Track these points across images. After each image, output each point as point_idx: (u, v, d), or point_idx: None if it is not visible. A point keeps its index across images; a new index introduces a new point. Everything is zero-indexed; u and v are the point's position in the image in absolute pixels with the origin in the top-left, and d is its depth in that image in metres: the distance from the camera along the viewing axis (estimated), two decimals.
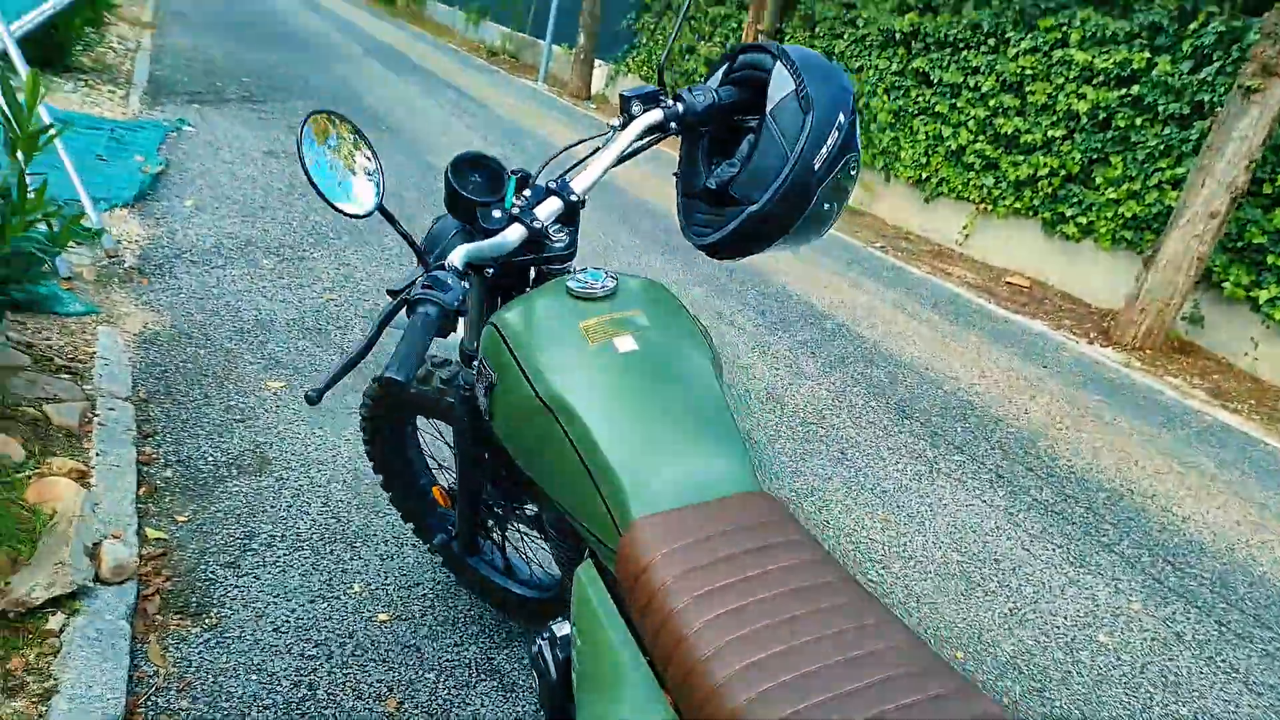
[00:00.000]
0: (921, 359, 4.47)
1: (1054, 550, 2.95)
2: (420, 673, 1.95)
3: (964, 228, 7.15)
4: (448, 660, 2.00)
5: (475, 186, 1.41)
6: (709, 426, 1.18)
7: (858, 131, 1.49)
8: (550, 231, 1.42)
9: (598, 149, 1.49)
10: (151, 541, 2.15)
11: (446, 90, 9.42)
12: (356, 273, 4.04)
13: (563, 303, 1.29)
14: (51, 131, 2.51)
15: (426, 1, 17.82)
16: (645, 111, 1.47)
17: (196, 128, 5.79)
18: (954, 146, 7.08)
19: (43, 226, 2.53)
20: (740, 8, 9.52)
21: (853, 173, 1.49)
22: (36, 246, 2.55)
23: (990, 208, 6.89)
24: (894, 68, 7.60)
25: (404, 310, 1.14)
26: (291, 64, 8.85)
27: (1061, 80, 6.30)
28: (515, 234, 1.34)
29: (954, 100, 7.09)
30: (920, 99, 7.38)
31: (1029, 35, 6.50)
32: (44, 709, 1.61)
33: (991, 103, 6.76)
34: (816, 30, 8.48)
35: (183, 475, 2.42)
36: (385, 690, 1.89)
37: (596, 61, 11.84)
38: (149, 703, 1.73)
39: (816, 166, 1.42)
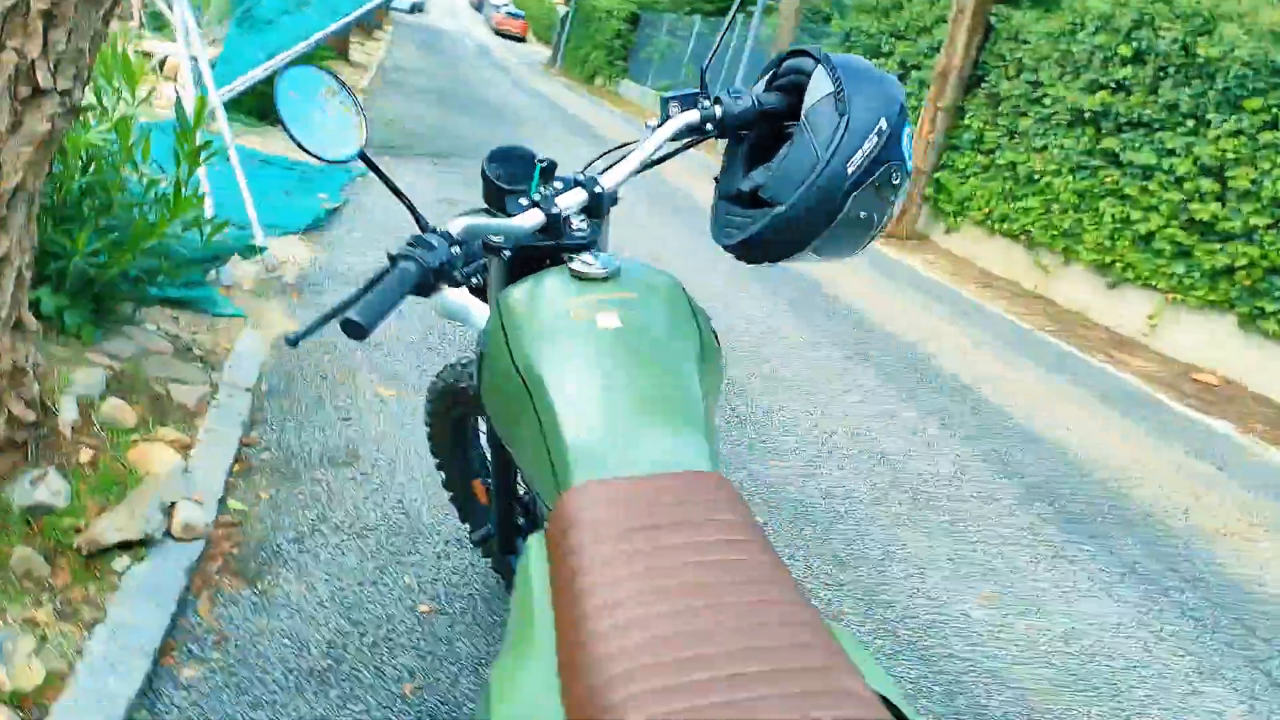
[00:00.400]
0: (1078, 448, 4.10)
1: (1183, 657, 2.57)
2: (445, 665, 1.95)
3: (1150, 317, 6.57)
4: (476, 658, 1.99)
5: (508, 177, 1.44)
6: (672, 407, 1.12)
7: (907, 141, 1.42)
8: (572, 220, 1.41)
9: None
10: (231, 511, 2.29)
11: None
12: None
13: (563, 281, 1.29)
14: (212, 149, 2.81)
15: (621, 81, 18.79)
16: (682, 112, 1.47)
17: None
18: (1143, 231, 6.57)
19: (197, 233, 2.82)
20: (921, 85, 9.40)
21: (895, 182, 1.42)
22: (192, 250, 2.85)
23: (1180, 297, 6.31)
24: (1081, 147, 7.21)
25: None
26: (483, 129, 9.54)
27: (1269, 165, 5.74)
28: (532, 219, 1.35)
29: (1145, 182, 6.61)
30: (1109, 180, 6.93)
31: (1233, 116, 6.00)
32: (87, 635, 1.73)
33: (1187, 186, 6.25)
34: (1000, 108, 8.22)
35: (277, 459, 2.58)
36: (406, 675, 1.90)
37: None
38: (183, 647, 1.82)
39: (849, 171, 1.36)
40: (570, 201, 1.38)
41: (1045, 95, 7.65)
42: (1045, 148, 7.60)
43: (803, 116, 1.37)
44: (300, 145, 1.13)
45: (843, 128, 1.34)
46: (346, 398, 3.02)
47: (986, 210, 8.26)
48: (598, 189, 1.41)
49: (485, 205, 1.49)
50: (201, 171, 3.02)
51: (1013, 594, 2.73)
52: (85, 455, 2.17)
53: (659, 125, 1.50)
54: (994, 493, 3.40)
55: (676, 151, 1.53)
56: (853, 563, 2.70)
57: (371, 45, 17.40)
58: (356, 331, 1.03)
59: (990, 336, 5.85)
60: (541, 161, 1.43)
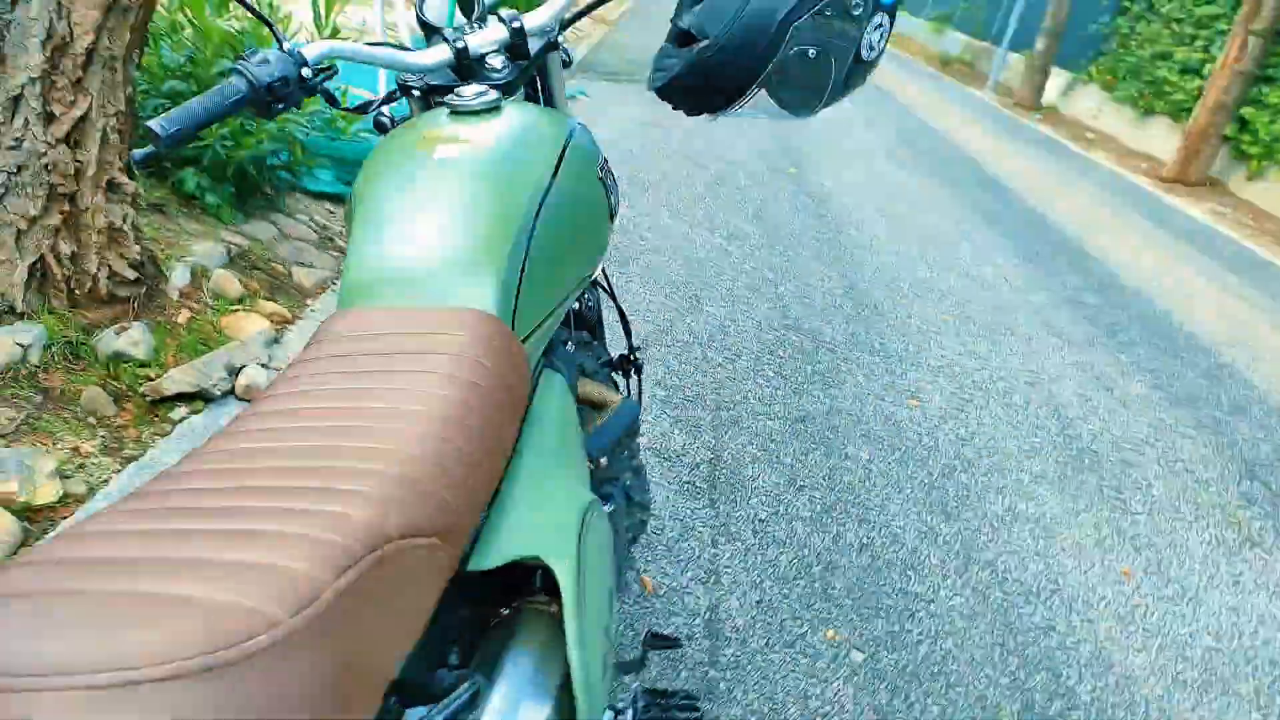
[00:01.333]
0: None
1: None
2: None
3: None
4: None
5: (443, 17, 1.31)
6: (472, 243, 0.95)
7: None
8: (490, 60, 1.26)
9: None
10: None
11: (873, 96, 9.21)
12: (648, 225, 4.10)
13: (434, 116, 1.15)
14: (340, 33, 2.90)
15: None
16: None
17: (591, 97, 6.36)
18: None
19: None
20: (1234, 6, 7.89)
21: (853, 11, 1.13)
22: (330, 145, 2.99)
23: None
24: None
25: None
26: None
27: None
28: (435, 55, 1.21)
29: None
30: None
31: None
32: (119, 468, 1.88)
33: None
34: None
35: None
36: None
37: (1053, 70, 10.68)
38: None
39: None
40: (486, 39, 1.23)
41: None
42: None
43: None
44: None
45: None
46: None
47: None
48: (516, 24, 1.24)
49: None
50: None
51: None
52: (183, 316, 2.35)
53: None
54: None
55: None
56: None
57: None
58: (153, 138, 0.97)
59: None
60: None
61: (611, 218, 1.20)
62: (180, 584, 0.47)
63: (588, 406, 1.38)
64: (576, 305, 1.38)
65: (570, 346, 1.30)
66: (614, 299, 1.64)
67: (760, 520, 2.21)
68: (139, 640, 0.42)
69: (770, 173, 5.55)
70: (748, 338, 3.19)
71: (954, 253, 4.67)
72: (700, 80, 1.19)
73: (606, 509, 1.15)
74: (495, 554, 0.75)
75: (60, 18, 1.83)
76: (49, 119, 1.90)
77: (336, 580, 0.51)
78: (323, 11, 2.86)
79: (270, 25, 1.12)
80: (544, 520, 0.81)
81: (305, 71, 1.06)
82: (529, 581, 0.86)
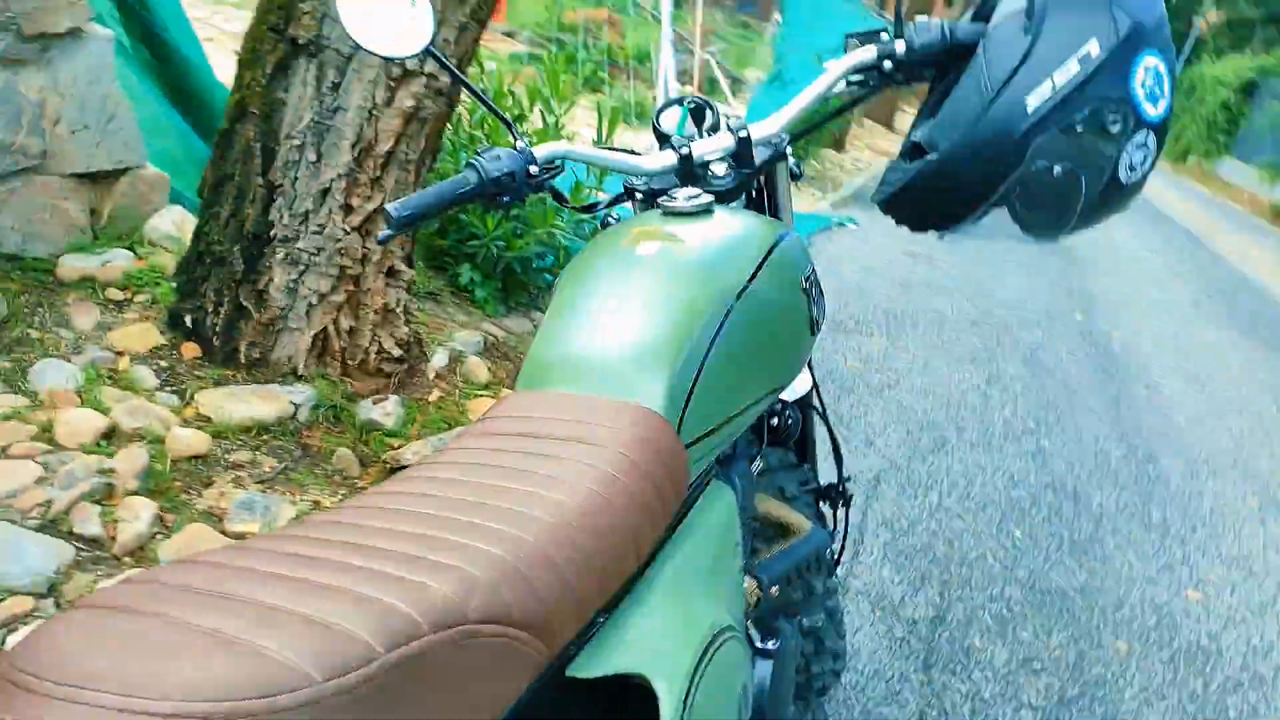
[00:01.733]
0: None
1: None
2: None
3: None
4: None
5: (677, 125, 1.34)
6: (652, 339, 0.92)
7: (1143, 77, 1.02)
8: (714, 167, 1.26)
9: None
10: None
11: (1182, 243, 8.41)
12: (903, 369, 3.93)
13: (647, 215, 1.16)
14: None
15: (1221, 160, 16.10)
16: (859, 48, 1.22)
17: (860, 227, 6.32)
18: None
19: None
20: None
21: (1111, 129, 1.01)
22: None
23: None
24: None
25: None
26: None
27: None
28: (661, 160, 1.24)
29: None
30: None
31: None
32: None
33: None
34: None
35: None
36: None
37: None
38: None
39: (1030, 107, 1.03)
40: (712, 147, 1.23)
41: None
42: None
43: (981, 41, 1.05)
44: (360, 45, 1.10)
45: (1025, 52, 0.99)
46: None
47: None
48: (742, 133, 1.23)
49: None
50: None
51: None
52: (434, 395, 2.53)
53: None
54: None
55: (855, 102, 1.27)
56: None
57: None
58: (386, 220, 1.05)
59: None
60: (690, 102, 1.30)
61: (813, 331, 1.13)
62: (240, 627, 0.48)
63: (771, 529, 1.28)
64: (775, 422, 1.30)
65: (758, 464, 1.22)
66: (826, 422, 1.54)
67: (982, 699, 1.94)
68: (185, 673, 0.44)
69: (1051, 317, 5.15)
70: (996, 491, 2.89)
71: (1271, 429, 4.01)
72: (926, 194, 1.11)
73: (770, 645, 1.04)
74: (598, 664, 0.69)
75: (369, 124, 2.10)
76: (348, 210, 2.17)
77: (388, 653, 0.49)
78: (604, 131, 3.09)
79: (509, 126, 1.19)
80: (662, 637, 0.73)
81: (534, 169, 1.11)
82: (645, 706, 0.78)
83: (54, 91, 2.21)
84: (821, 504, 1.61)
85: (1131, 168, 1.06)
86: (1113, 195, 1.08)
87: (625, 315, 0.94)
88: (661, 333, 0.92)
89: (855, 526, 2.50)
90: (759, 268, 1.02)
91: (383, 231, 1.10)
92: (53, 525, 1.66)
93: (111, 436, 1.90)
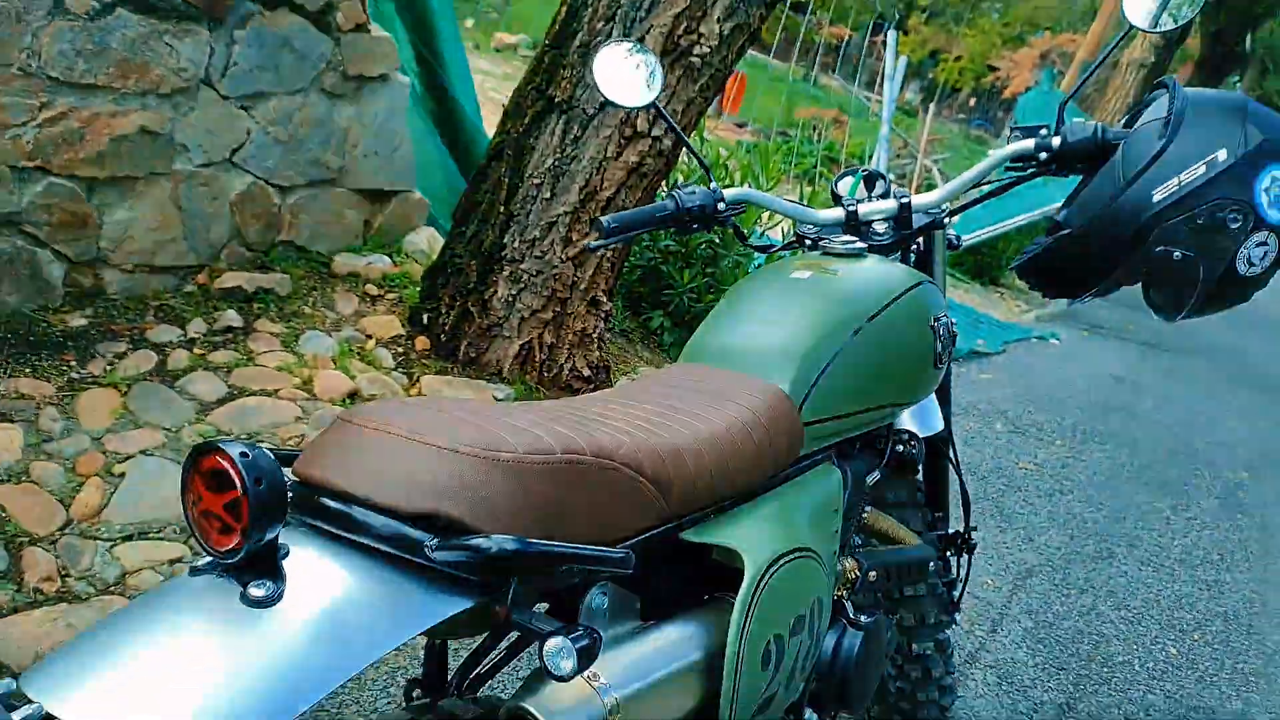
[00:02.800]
0: None
1: None
2: None
3: None
4: None
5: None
6: (790, 337, 1.14)
7: (1268, 185, 1.16)
8: (875, 225, 1.46)
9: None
10: None
11: None
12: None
13: (812, 252, 1.40)
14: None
15: None
16: (1020, 139, 1.40)
17: (1062, 343, 6.15)
18: None
19: None
20: None
21: (1230, 225, 1.16)
22: None
23: None
24: None
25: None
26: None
27: None
28: (830, 214, 1.47)
29: None
30: None
31: None
32: None
33: None
34: None
35: None
36: None
37: None
38: None
39: (1155, 198, 1.19)
40: (877, 207, 1.45)
41: None
42: None
43: (1124, 140, 1.22)
44: (605, 96, 1.40)
45: (1157, 152, 1.16)
46: None
47: None
48: (904, 200, 1.44)
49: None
50: None
51: None
52: None
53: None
54: None
55: (1014, 183, 1.44)
56: None
57: None
58: (596, 227, 1.34)
59: None
60: (864, 170, 1.52)
61: (937, 364, 1.30)
62: (485, 420, 0.77)
63: (881, 539, 1.43)
64: (900, 449, 1.45)
65: (874, 476, 1.37)
66: (958, 471, 1.66)
67: None
68: (452, 428, 0.73)
69: (1266, 462, 4.80)
70: (1158, 606, 2.79)
71: None
72: (1055, 264, 1.28)
73: (864, 619, 1.20)
74: (704, 534, 0.91)
75: (597, 173, 2.46)
76: (567, 242, 2.52)
77: (561, 454, 0.76)
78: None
79: (706, 169, 1.47)
80: (758, 534, 0.94)
81: (721, 205, 1.36)
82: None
83: (358, 121, 2.74)
84: (949, 555, 1.73)
85: (1250, 262, 1.18)
86: (1230, 285, 1.20)
87: (772, 317, 1.17)
88: (798, 334, 1.14)
89: (996, 608, 2.52)
90: (893, 301, 1.22)
91: (594, 240, 1.39)
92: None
93: (354, 397, 2.31)
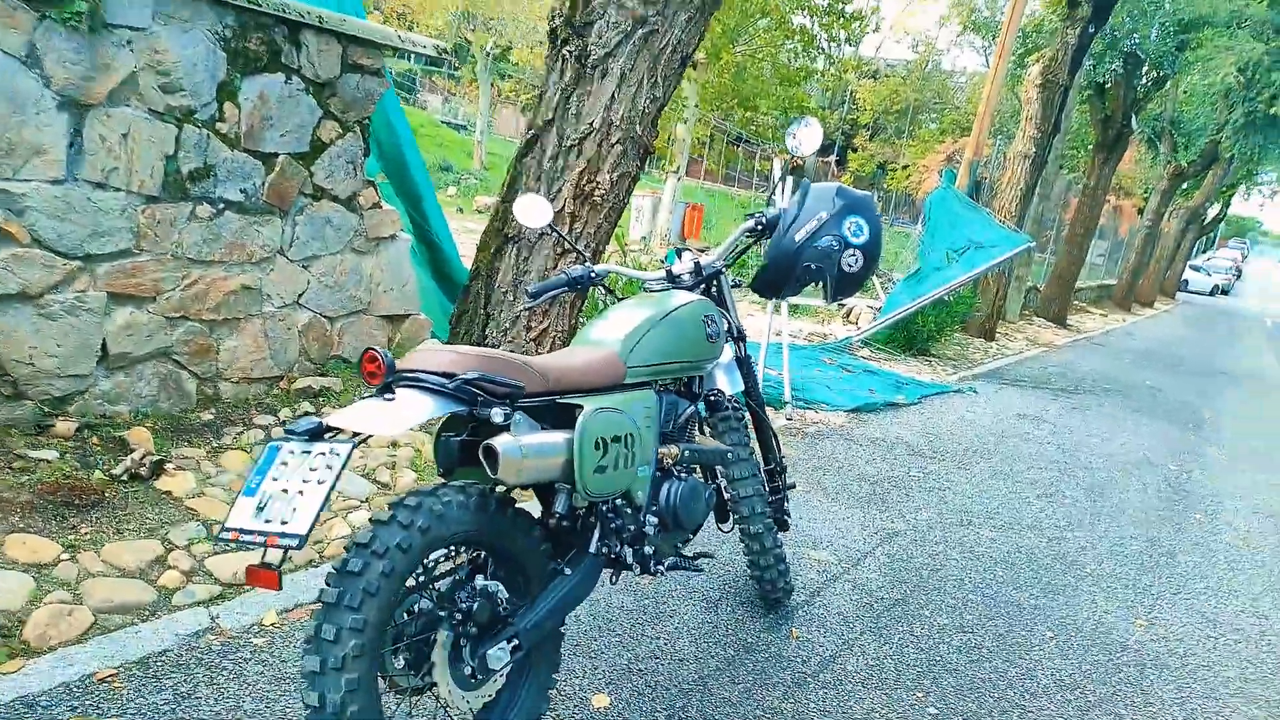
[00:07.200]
0: None
1: None
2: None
3: None
4: None
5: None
6: (619, 326, 2.24)
7: (848, 227, 2.32)
8: (684, 277, 2.58)
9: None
10: None
11: None
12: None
13: (641, 292, 2.52)
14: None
15: None
16: (749, 220, 2.55)
17: (980, 395, 7.22)
18: None
19: None
20: None
21: (833, 248, 2.30)
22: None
23: None
24: None
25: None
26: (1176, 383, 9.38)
27: None
28: (658, 274, 2.60)
29: None
30: None
31: None
32: None
33: None
34: None
35: None
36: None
37: None
38: None
39: (798, 239, 2.34)
40: (683, 269, 2.58)
41: None
42: None
43: (781, 214, 2.38)
44: (522, 224, 2.59)
45: (794, 216, 2.32)
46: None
47: None
48: (697, 260, 2.57)
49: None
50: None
51: None
52: None
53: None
54: None
55: (749, 245, 2.57)
56: None
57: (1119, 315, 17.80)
58: (527, 293, 2.48)
59: None
60: (677, 247, 2.67)
61: (710, 341, 2.37)
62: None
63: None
64: (713, 399, 2.51)
65: (689, 409, 2.43)
66: (766, 421, 2.73)
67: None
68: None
69: (1142, 466, 5.78)
70: (998, 551, 3.76)
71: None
72: (765, 279, 2.40)
73: (685, 476, 2.23)
74: (568, 399, 1.96)
75: (541, 279, 3.61)
76: (529, 328, 3.66)
77: (508, 357, 1.83)
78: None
79: (583, 256, 2.63)
80: (592, 400, 1.99)
81: (594, 274, 2.49)
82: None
83: (377, 267, 3.93)
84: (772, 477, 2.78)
85: (849, 266, 2.31)
86: (845, 279, 2.33)
87: (618, 319, 2.27)
88: (629, 324, 2.24)
89: (861, 553, 3.50)
90: (680, 306, 2.33)
91: (525, 302, 2.53)
92: (365, 476, 3.12)
93: (394, 445, 3.38)
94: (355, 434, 1.63)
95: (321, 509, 1.51)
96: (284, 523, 1.51)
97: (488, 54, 21.12)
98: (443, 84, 30.82)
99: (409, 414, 1.65)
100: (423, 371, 1.72)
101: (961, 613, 3.11)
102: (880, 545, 3.64)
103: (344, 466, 1.56)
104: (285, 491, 1.55)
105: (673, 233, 14.64)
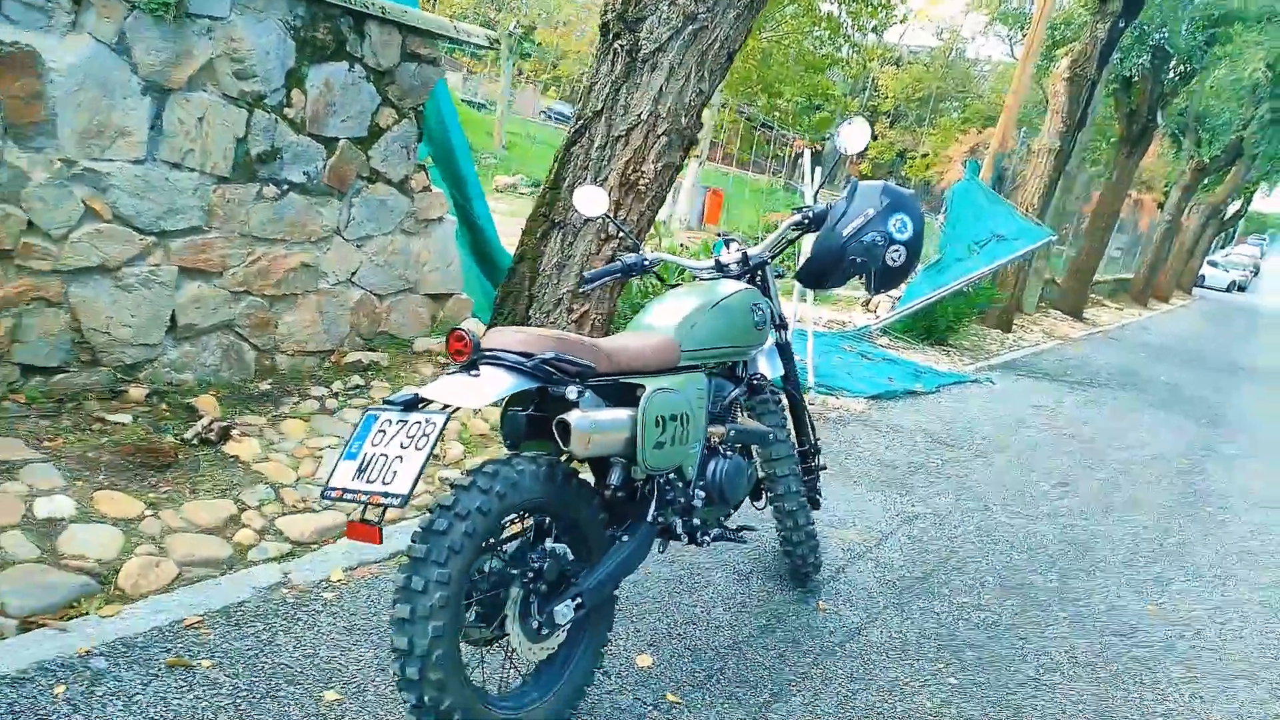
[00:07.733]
0: None
1: None
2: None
3: None
4: None
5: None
6: (678, 311, 2.39)
7: (892, 224, 2.46)
8: (731, 266, 2.72)
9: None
10: None
11: None
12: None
13: (692, 282, 2.67)
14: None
15: None
16: (796, 214, 2.69)
17: (996, 386, 7.34)
18: None
19: None
20: None
21: (877, 243, 2.44)
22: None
23: None
24: None
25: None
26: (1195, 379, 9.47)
27: None
28: (705, 262, 2.75)
29: None
30: None
31: None
32: None
33: None
34: None
35: None
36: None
37: None
38: None
39: (845, 233, 2.48)
40: (729, 257, 2.72)
41: None
42: None
43: (829, 208, 2.52)
44: (580, 213, 2.75)
45: (842, 212, 2.47)
46: None
47: None
48: (743, 251, 2.71)
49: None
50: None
51: None
52: None
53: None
54: None
55: (795, 239, 2.71)
56: None
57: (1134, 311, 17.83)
58: (581, 280, 2.64)
59: None
60: (725, 236, 2.81)
61: (757, 329, 2.52)
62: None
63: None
64: (756, 382, 2.67)
65: (737, 392, 2.59)
66: (803, 407, 2.89)
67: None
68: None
69: (1157, 460, 5.91)
70: (1014, 536, 3.91)
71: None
72: (810, 268, 2.54)
73: (730, 454, 2.39)
74: (631, 379, 2.12)
75: (586, 265, 3.76)
76: (570, 310, 3.81)
77: (580, 339, 2.00)
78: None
79: (636, 243, 2.79)
80: (653, 381, 2.15)
81: (646, 262, 2.64)
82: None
83: (425, 248, 4.09)
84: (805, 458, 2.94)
85: (893, 261, 2.45)
86: (889, 272, 2.47)
87: (673, 305, 2.42)
88: (683, 309, 2.39)
89: (884, 534, 3.66)
90: (729, 295, 2.48)
91: (579, 286, 2.69)
92: None
93: None
94: (445, 405, 1.80)
95: (421, 472, 1.68)
96: (386, 484, 1.68)
97: (510, 34, 21.21)
98: (464, 60, 30.95)
99: (492, 389, 1.81)
100: (504, 350, 1.88)
101: (980, 592, 3.27)
102: (901, 527, 3.79)
103: (440, 434, 1.73)
104: (385, 456, 1.72)
105: (694, 217, 14.77)
